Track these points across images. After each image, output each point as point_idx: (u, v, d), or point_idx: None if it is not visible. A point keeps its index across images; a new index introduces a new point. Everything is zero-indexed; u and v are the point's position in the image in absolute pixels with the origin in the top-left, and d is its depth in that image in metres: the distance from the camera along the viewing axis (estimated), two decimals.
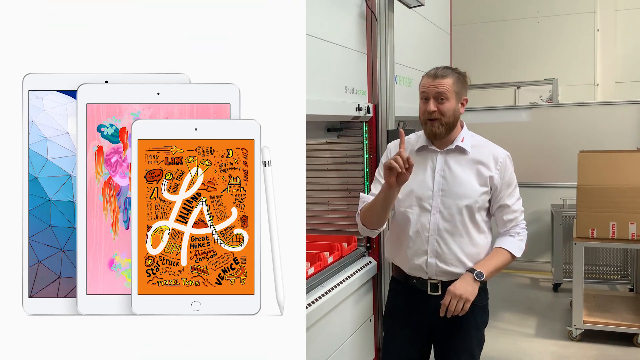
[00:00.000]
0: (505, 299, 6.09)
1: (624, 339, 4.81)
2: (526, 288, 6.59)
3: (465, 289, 2.49)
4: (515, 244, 2.67)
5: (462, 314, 2.51)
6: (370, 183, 3.94)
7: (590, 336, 4.89)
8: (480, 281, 2.54)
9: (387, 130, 4.02)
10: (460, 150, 2.63)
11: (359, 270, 3.86)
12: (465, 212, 2.59)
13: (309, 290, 3.29)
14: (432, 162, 2.66)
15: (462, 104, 2.65)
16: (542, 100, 8.56)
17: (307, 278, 3.34)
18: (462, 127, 2.70)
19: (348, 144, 4.12)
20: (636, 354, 4.66)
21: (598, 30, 8.87)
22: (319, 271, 3.50)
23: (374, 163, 4.05)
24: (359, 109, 3.78)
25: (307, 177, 4.20)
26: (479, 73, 8.94)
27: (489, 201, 2.66)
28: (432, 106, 2.54)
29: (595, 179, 4.87)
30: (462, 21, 8.44)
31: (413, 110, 5.07)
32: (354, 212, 4.09)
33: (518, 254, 2.67)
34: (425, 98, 2.58)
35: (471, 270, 2.55)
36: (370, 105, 3.97)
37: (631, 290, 5.93)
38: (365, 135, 4.06)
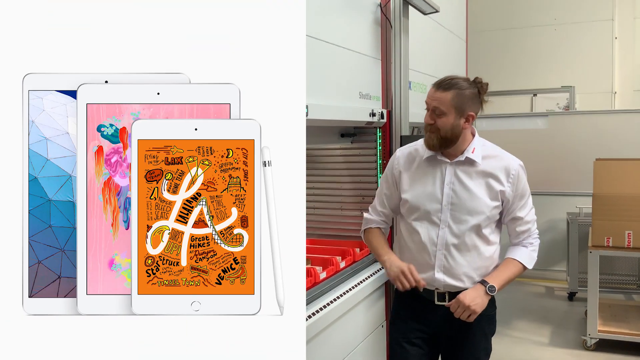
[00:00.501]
0: (520, 307, 6.02)
1: (639, 350, 4.73)
2: (541, 297, 6.51)
3: (475, 301, 2.45)
4: (527, 254, 2.63)
5: (470, 318, 2.47)
6: None
7: (605, 346, 4.82)
8: (492, 295, 2.51)
9: (401, 136, 4.00)
10: (470, 162, 2.53)
11: (371, 275, 3.83)
12: (474, 228, 2.52)
13: (321, 294, 3.27)
14: (441, 174, 2.57)
15: (467, 120, 2.50)
16: (559, 107, 8.49)
17: (319, 282, 3.32)
18: (473, 135, 2.60)
19: (361, 150, 4.10)
20: None
21: (616, 38, 8.78)
22: (331, 276, 3.48)
23: None
24: (373, 114, 3.76)
25: (320, 182, 4.23)
26: (496, 80, 8.87)
27: (500, 212, 2.59)
28: (428, 118, 2.50)
29: (612, 187, 4.80)
30: (478, 28, 8.40)
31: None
32: None
33: (530, 265, 2.63)
34: (427, 109, 2.53)
35: (483, 283, 2.51)
36: (384, 111, 3.95)
37: None
38: (379, 141, 4.04)
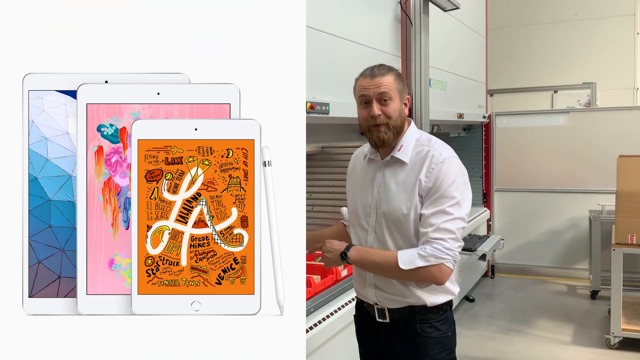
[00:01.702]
0: (542, 305, 5.92)
1: None
2: (563, 295, 6.40)
3: (330, 253, 2.20)
4: (411, 254, 2.08)
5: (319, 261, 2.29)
6: None
7: (629, 344, 4.71)
8: (343, 251, 2.17)
9: None
10: (397, 162, 2.20)
11: None
12: (395, 231, 2.18)
13: (323, 304, 3.14)
14: (372, 175, 2.28)
15: (405, 104, 2.21)
16: (580, 104, 8.36)
17: (321, 291, 3.19)
18: (408, 124, 2.26)
19: None
20: None
21: (638, 33, 8.61)
22: (332, 285, 3.34)
23: None
24: None
25: (340, 180, 4.16)
26: (516, 77, 8.78)
27: None
28: (376, 109, 2.12)
29: (636, 184, 4.69)
30: (498, 25, 8.31)
31: (447, 114, 5.02)
32: None
33: (404, 265, 2.06)
34: (365, 102, 2.16)
35: (348, 247, 2.19)
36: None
37: None
38: None
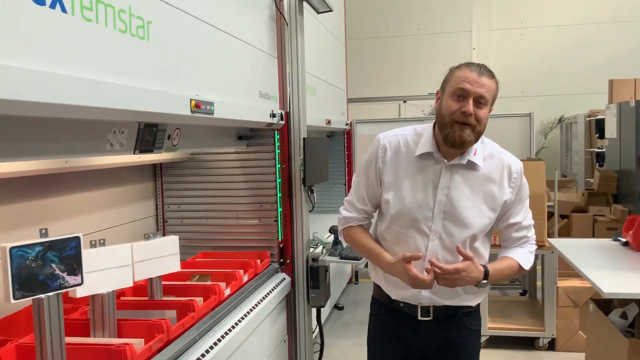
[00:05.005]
0: None
1: (526, 343, 4.65)
2: None
3: (470, 275, 1.98)
4: (525, 255, 2.15)
5: (441, 284, 2.00)
6: (289, 195, 3.54)
7: (494, 342, 4.68)
8: (484, 279, 2.02)
9: (303, 139, 3.58)
10: (472, 166, 2.04)
11: (274, 288, 3.41)
12: (468, 242, 2.05)
13: (227, 313, 2.81)
14: (434, 175, 2.05)
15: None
16: (424, 114, 8.48)
17: (224, 299, 2.83)
18: None
19: (258, 153, 3.65)
20: (539, 357, 4.51)
21: (474, 48, 8.94)
22: (236, 291, 3.01)
23: (286, 173, 3.60)
24: (273, 115, 3.33)
25: (214, 190, 3.71)
26: (367, 86, 8.76)
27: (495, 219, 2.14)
28: (471, 108, 1.91)
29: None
30: (355, 36, 8.22)
31: (317, 120, 4.68)
32: (266, 225, 3.66)
33: (527, 266, 2.14)
34: (461, 95, 1.93)
35: (484, 267, 2.05)
36: (283, 112, 3.52)
37: (522, 294, 5.82)
38: (277, 144, 3.60)
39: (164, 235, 3.19)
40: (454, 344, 2.16)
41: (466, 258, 1.97)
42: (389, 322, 2.23)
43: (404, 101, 8.50)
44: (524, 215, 2.15)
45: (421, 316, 2.13)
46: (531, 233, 2.19)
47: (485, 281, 2.03)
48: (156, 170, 3.80)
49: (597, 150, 7.98)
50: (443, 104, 1.99)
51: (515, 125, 6.28)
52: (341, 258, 3.66)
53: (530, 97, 9.18)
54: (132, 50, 1.95)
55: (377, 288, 2.28)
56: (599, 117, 7.84)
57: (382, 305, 2.25)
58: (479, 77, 1.92)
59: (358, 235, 2.23)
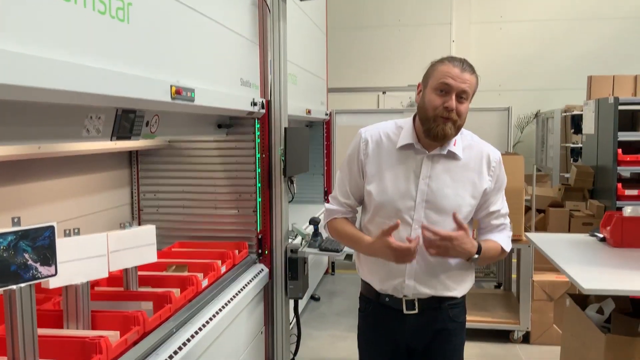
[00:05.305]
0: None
1: (502, 336, 4.64)
2: None
3: (462, 246, 2.00)
4: (505, 239, 2.20)
5: (433, 253, 2.02)
6: (269, 185, 3.47)
7: (469, 334, 4.63)
8: (476, 255, 2.06)
9: (285, 128, 3.51)
10: (452, 156, 2.09)
11: (252, 279, 3.35)
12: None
13: (205, 304, 2.74)
14: (415, 166, 2.09)
15: None
16: (402, 105, 8.45)
17: (201, 291, 2.77)
18: None
19: (238, 142, 3.58)
20: (514, 350, 4.51)
21: (453, 41, 8.92)
22: (213, 282, 2.95)
23: (266, 163, 3.53)
24: (254, 103, 3.25)
25: (192, 178, 3.64)
26: (346, 77, 8.70)
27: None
28: (454, 103, 1.96)
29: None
30: (335, 25, 8.13)
31: (297, 109, 4.61)
32: (245, 215, 3.59)
33: (508, 249, 2.20)
34: (444, 90, 1.97)
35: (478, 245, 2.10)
36: (264, 101, 3.45)
37: (497, 287, 5.83)
38: (257, 133, 3.53)
39: (139, 223, 3.11)
40: (441, 337, 2.18)
41: (461, 227, 2.01)
42: (377, 317, 2.24)
43: (383, 92, 8.46)
44: (502, 204, 2.21)
45: (406, 310, 2.15)
46: (507, 220, 2.25)
47: (477, 256, 2.07)
48: (132, 157, 3.70)
49: (572, 145, 8.03)
50: (426, 98, 2.03)
51: (493, 119, 6.28)
52: (321, 250, 3.60)
53: (508, 92, 9.20)
54: (111, 32, 1.87)
55: (364, 284, 2.29)
56: (575, 112, 7.88)
57: (369, 301, 2.26)
58: (462, 72, 1.97)
59: (341, 226, 2.25)
